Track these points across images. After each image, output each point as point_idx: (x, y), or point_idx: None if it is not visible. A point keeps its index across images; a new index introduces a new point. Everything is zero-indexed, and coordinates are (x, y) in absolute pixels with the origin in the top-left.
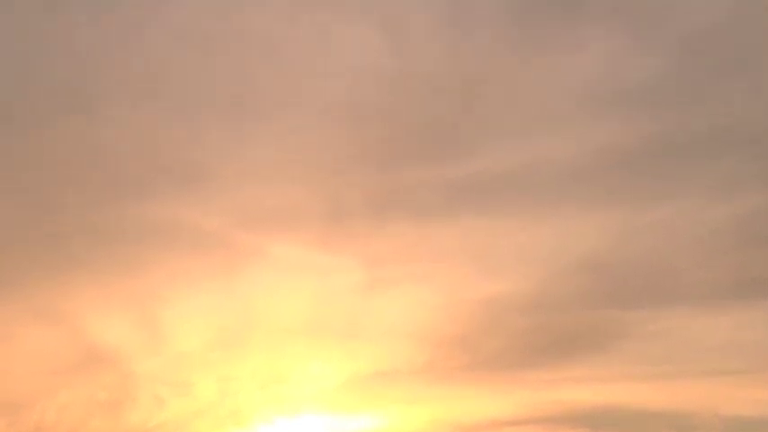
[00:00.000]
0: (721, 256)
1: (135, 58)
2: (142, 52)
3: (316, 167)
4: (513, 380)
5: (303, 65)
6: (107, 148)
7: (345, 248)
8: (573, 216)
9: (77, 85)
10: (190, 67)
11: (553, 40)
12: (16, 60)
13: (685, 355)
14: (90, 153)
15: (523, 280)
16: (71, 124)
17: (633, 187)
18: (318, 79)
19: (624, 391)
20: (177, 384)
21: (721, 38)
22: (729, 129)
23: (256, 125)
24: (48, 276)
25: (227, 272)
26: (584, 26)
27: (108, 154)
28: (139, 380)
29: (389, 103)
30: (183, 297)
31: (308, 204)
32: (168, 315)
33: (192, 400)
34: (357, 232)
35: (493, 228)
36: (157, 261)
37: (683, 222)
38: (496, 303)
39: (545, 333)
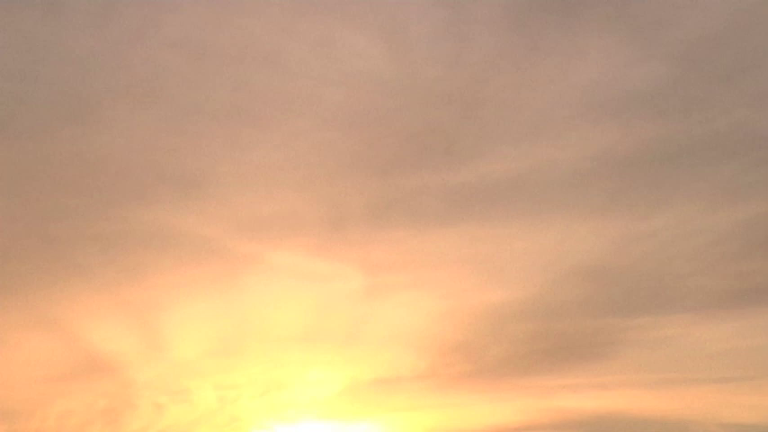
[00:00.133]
0: (722, 263)
1: (134, 66)
2: (142, 60)
3: (316, 175)
4: (514, 386)
5: (303, 72)
6: (106, 155)
7: (345, 255)
8: (573, 223)
9: (77, 93)
10: (189, 74)
11: (553, 46)
12: (16, 67)
13: (686, 362)
14: (89, 161)
15: (524, 287)
16: (70, 132)
17: (634, 194)
18: (318, 86)
19: (625, 397)
20: (176, 392)
21: (721, 45)
22: (729, 135)
23: (256, 132)
24: (47, 283)
25: (227, 279)
26: (585, 33)
27: (107, 161)
28: (139, 387)
29: (389, 110)
30: (182, 304)
31: (308, 211)
32: (168, 322)
33: (192, 407)
34: (357, 239)
35: (493, 234)
36: (157, 268)
37: (683, 229)
38: (497, 310)
39: (546, 340)
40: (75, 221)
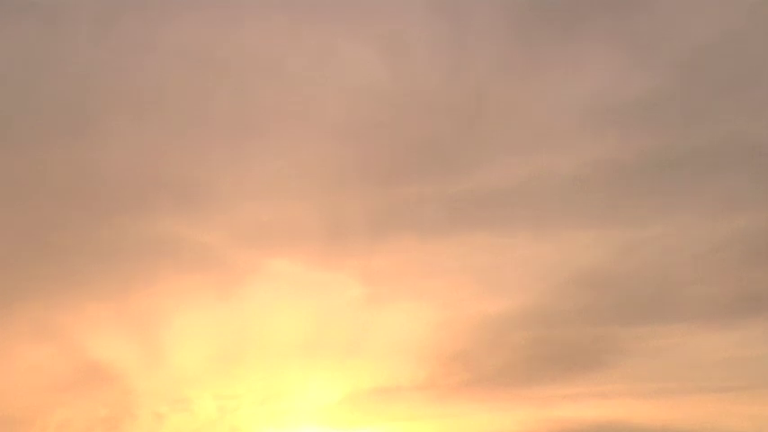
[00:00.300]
0: (722, 271)
1: (135, 76)
2: (142, 70)
3: (316, 184)
4: (514, 396)
5: (303, 83)
6: (106, 165)
7: (345, 265)
8: (573, 232)
9: (77, 103)
10: (190, 84)
11: (553, 57)
12: (16, 78)
13: (686, 371)
14: (89, 170)
15: (524, 296)
16: (71, 142)
17: (633, 203)
18: (319, 97)
19: (625, 407)
20: (176, 401)
21: (720, 56)
22: (728, 145)
23: (256, 142)
24: (47, 293)
25: (228, 288)
26: (585, 44)
27: (107, 171)
28: (139, 396)
29: (390, 120)
30: (182, 313)
31: (309, 221)
32: (168, 331)
33: (192, 416)
34: (357, 249)
35: (494, 244)
36: (157, 278)
37: (683, 238)
38: (497, 319)
39: (546, 349)
40: (75, 231)
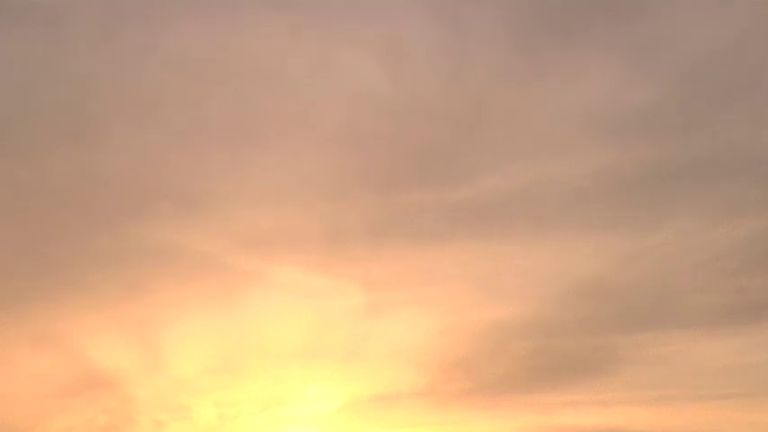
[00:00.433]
0: (722, 279)
1: (135, 84)
2: (142, 78)
3: (316, 192)
4: (515, 403)
5: (303, 91)
6: (106, 173)
7: (345, 272)
8: (574, 240)
9: (77, 111)
10: (189, 92)
11: (554, 65)
12: (15, 85)
13: (687, 378)
14: (89, 178)
15: (524, 303)
16: (70, 150)
17: (634, 212)
18: (318, 105)
19: (626, 414)
20: (176, 408)
21: (721, 64)
22: (729, 154)
23: (256, 150)
24: (46, 300)
25: (228, 295)
26: (585, 52)
27: (107, 179)
28: (139, 404)
29: (389, 128)
30: (182, 321)
31: (309, 228)
32: (168, 339)
33: (192, 424)
34: (357, 256)
35: (494, 251)
36: (157, 285)
37: (683, 246)
38: (497, 327)
39: (546, 357)
40: (74, 239)
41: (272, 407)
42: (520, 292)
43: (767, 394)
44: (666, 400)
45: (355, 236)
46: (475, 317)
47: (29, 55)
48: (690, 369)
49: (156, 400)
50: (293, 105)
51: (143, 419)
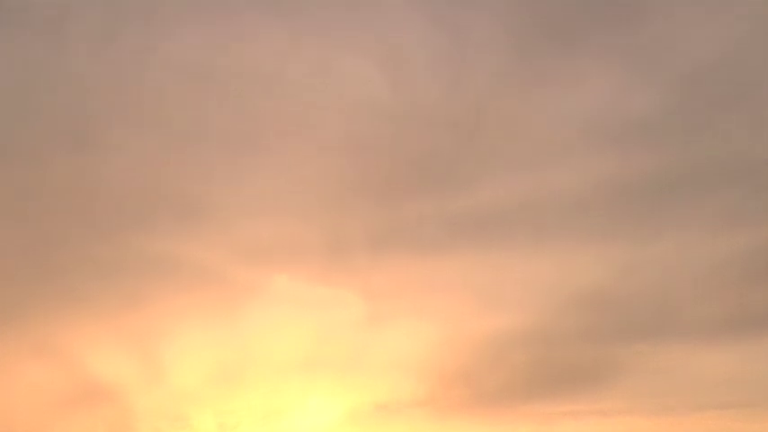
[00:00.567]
0: (722, 289)
1: (135, 92)
2: (142, 86)
3: (316, 201)
4: (515, 413)
5: (303, 99)
6: (106, 181)
7: (346, 282)
8: (574, 250)
9: (77, 118)
10: (190, 100)
11: (554, 73)
12: (15, 92)
13: (686, 388)
14: (89, 186)
15: (524, 313)
16: (70, 157)
17: (634, 221)
18: (319, 113)
19: (626, 424)
20: (176, 419)
21: (721, 72)
22: (729, 162)
23: (256, 159)
24: (47, 310)
25: (228, 306)
26: (585, 60)
27: (108, 187)
28: (139, 414)
29: (390, 137)
30: (182, 331)
31: (309, 238)
32: (168, 349)
33: None
34: (357, 266)
35: (493, 261)
36: (157, 295)
37: (684, 257)
38: (497, 337)
39: (546, 367)
40: (74, 248)
41: (272, 417)
42: (520, 301)
43: (767, 404)
44: (666, 410)
45: (355, 246)
46: (475, 327)
47: (29, 64)
48: (690, 379)
49: (156, 410)
50: (293, 113)
51: (143, 429)
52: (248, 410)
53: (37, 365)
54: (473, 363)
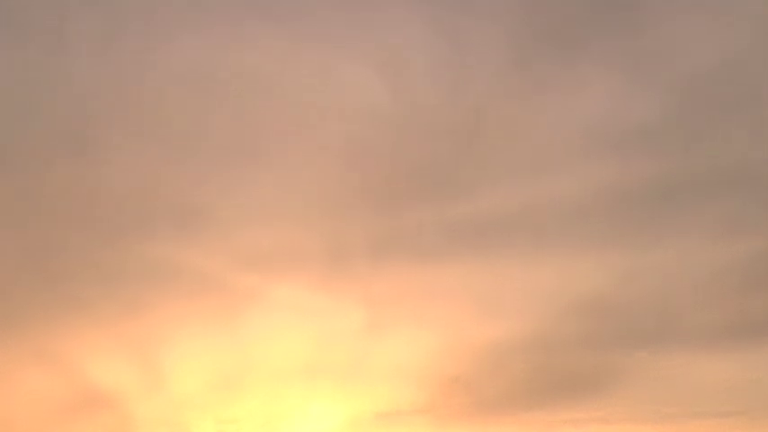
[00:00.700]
0: (723, 296)
1: (134, 99)
2: (141, 92)
3: (316, 208)
4: (515, 421)
5: (302, 105)
6: (106, 188)
7: (346, 290)
8: (574, 257)
9: (77, 126)
10: (189, 107)
11: (554, 80)
12: (14, 98)
13: (687, 396)
14: (88, 193)
15: (525, 321)
16: (69, 164)
17: (635, 228)
18: (318, 120)
19: None
20: (176, 426)
21: (722, 79)
22: (731, 170)
23: (256, 166)
24: (46, 317)
25: (228, 313)
26: (585, 67)
27: (108, 194)
28: (139, 422)
29: (390, 144)
30: (182, 338)
31: (309, 246)
32: (168, 356)
33: None
34: (357, 273)
35: (494, 268)
36: (157, 302)
37: (684, 263)
38: (497, 344)
39: (547, 374)
40: (74, 255)
41: (272, 424)
42: (520, 309)
43: (766, 412)
44: (667, 418)
45: (356, 253)
46: (475, 334)
47: (27, 70)
48: (691, 387)
49: (156, 418)
50: (293, 120)
51: None
52: (248, 417)
53: (36, 372)
54: (473, 370)
